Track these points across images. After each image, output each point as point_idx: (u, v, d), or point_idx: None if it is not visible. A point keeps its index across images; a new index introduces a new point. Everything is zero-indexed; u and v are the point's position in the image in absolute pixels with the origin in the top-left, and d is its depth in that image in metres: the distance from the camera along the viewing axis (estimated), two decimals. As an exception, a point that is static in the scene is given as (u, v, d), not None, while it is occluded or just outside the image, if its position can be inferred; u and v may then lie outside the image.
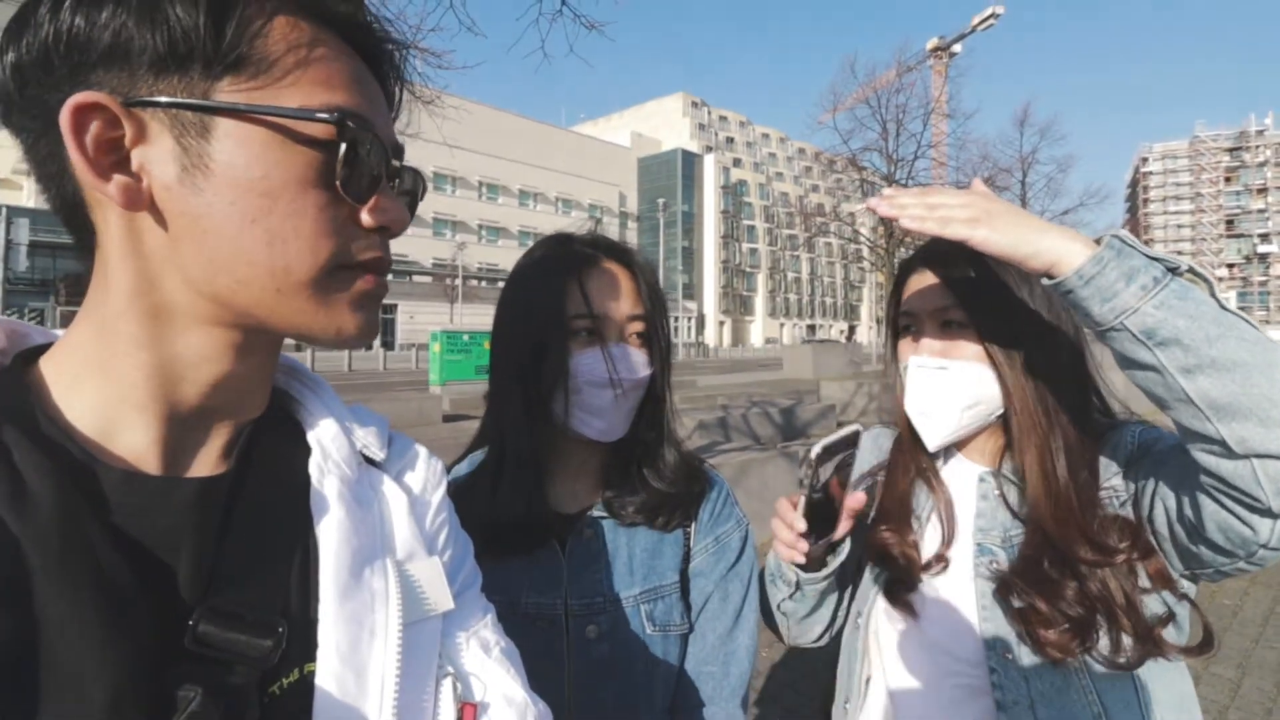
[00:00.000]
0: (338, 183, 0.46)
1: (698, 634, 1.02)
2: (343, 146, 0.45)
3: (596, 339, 0.97)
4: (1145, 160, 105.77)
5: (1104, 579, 0.86)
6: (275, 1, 0.45)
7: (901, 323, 1.06)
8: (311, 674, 0.48)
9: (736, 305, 71.46)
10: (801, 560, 0.94)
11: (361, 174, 0.47)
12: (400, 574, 0.54)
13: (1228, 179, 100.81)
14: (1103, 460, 0.94)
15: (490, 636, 0.62)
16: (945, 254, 0.99)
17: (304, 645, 0.48)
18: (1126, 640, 0.85)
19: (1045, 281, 0.76)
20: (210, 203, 0.43)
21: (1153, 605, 0.87)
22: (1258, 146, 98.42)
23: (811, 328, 78.20)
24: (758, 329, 73.33)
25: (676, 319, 58.64)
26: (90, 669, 0.39)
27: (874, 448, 1.20)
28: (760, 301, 74.38)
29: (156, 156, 0.43)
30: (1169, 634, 0.87)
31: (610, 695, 0.95)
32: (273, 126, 0.44)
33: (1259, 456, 0.68)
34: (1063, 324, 0.96)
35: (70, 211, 0.46)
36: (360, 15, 0.49)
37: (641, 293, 1.01)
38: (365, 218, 0.48)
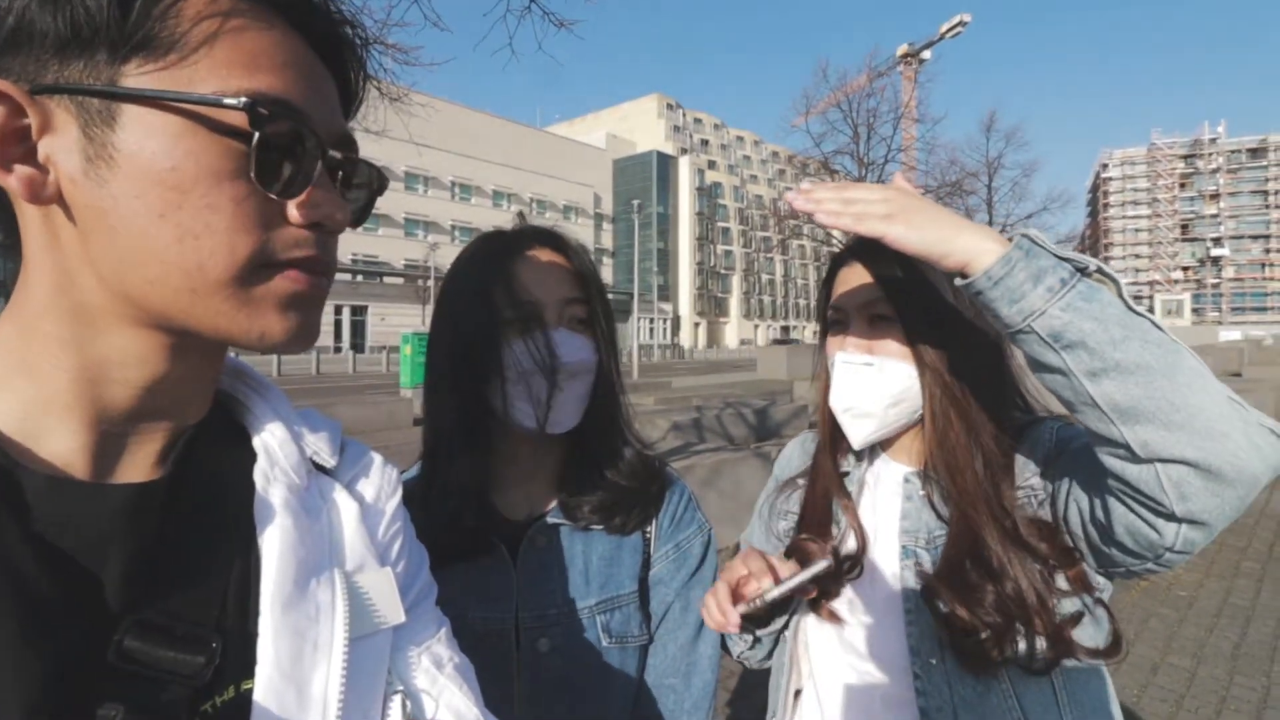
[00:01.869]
0: (252, 174, 0.42)
1: (658, 645, 0.97)
2: (255, 135, 0.41)
3: (533, 325, 0.92)
4: (1105, 166, 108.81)
5: (1018, 580, 0.85)
6: None
7: (831, 317, 1.04)
8: (249, 691, 0.45)
9: (711, 307, 71.76)
10: (732, 631, 0.90)
11: (286, 165, 0.43)
12: (349, 585, 0.52)
13: (1182, 185, 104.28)
14: (1022, 459, 0.93)
15: (443, 652, 0.60)
16: (876, 248, 0.94)
17: (242, 661, 0.46)
18: (1040, 642, 0.85)
19: (958, 281, 0.74)
20: (115, 196, 0.41)
21: (1066, 606, 0.87)
22: (1211, 154, 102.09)
23: (785, 329, 78.83)
24: (732, 330, 73.70)
25: (652, 320, 58.67)
26: (2, 685, 0.37)
27: (802, 453, 1.18)
28: (735, 303, 74.77)
29: (63, 147, 0.41)
30: (1081, 635, 0.86)
31: (563, 712, 0.90)
32: (182, 113, 0.41)
33: (1162, 461, 0.67)
34: (983, 321, 0.93)
35: None
36: None
37: (577, 276, 0.96)
38: (294, 213, 0.44)
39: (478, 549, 0.92)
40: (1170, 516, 0.69)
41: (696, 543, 1.02)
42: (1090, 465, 0.77)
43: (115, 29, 0.40)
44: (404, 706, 0.53)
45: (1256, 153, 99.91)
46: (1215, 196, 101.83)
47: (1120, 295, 0.70)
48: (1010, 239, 0.72)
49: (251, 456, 0.53)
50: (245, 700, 0.45)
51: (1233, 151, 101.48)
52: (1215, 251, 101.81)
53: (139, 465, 0.47)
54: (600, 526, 0.96)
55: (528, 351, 0.90)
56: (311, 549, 0.51)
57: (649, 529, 1.00)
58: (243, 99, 0.41)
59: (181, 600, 0.45)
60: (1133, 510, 0.73)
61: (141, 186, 0.41)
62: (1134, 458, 0.69)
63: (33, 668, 0.38)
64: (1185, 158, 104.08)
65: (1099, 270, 0.71)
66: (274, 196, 0.43)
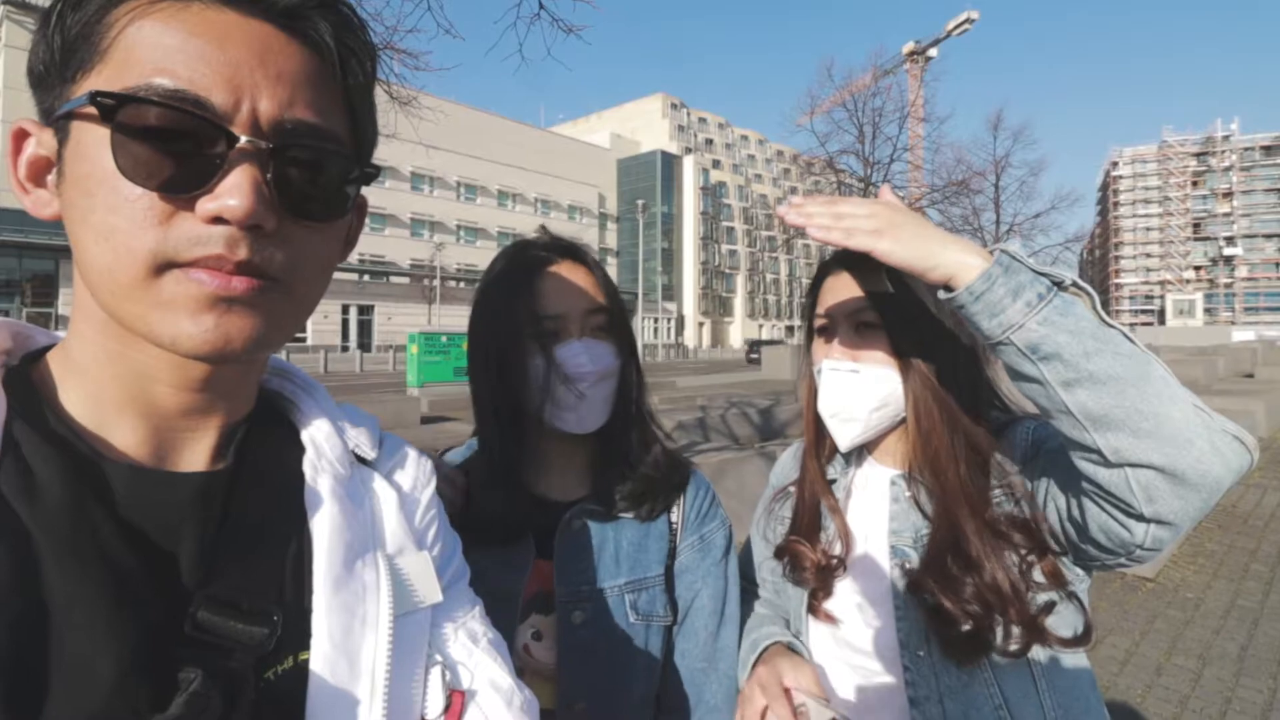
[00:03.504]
0: (116, 169, 0.42)
1: (686, 632, 1.05)
2: (109, 131, 0.41)
3: (560, 336, 1.01)
4: (1115, 164, 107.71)
5: (995, 572, 0.89)
6: None
7: (817, 325, 1.08)
8: (305, 661, 0.49)
9: (716, 306, 71.62)
10: None
11: (175, 159, 0.42)
12: (391, 567, 0.56)
13: (1195, 183, 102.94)
14: (1000, 458, 0.97)
15: (478, 628, 0.64)
16: (861, 258, 0.98)
17: (299, 633, 0.50)
18: (1015, 630, 0.89)
19: (941, 295, 0.79)
20: (64, 207, 0.44)
21: (1041, 597, 0.91)
22: (1224, 151, 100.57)
23: (790, 329, 78.54)
24: (737, 330, 73.53)
25: (656, 320, 58.68)
26: (97, 649, 0.40)
27: (795, 461, 1.22)
28: (739, 303, 74.62)
29: (59, 169, 0.45)
30: (1055, 624, 0.90)
31: (593, 678, 0.99)
32: (82, 119, 0.42)
33: (1131, 466, 0.72)
34: (962, 328, 0.96)
35: None
36: None
37: (599, 287, 1.05)
38: (202, 208, 0.43)
39: (516, 537, 1.01)
40: (1140, 517, 0.74)
41: (719, 536, 1.11)
42: (1066, 467, 0.81)
43: (59, 52, 0.43)
44: (443, 676, 0.58)
45: (1271, 150, 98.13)
46: (1228, 195, 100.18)
47: (1094, 309, 0.74)
48: (992, 253, 0.76)
49: (300, 450, 0.57)
50: (303, 670, 0.49)
51: (1246, 149, 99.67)
52: (1228, 250, 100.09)
53: (199, 456, 0.51)
54: (630, 514, 1.05)
55: (557, 360, 0.99)
56: (357, 534, 0.55)
57: (674, 519, 1.09)
58: (97, 95, 0.40)
59: (245, 578, 0.49)
60: (1105, 511, 0.78)
61: (73, 195, 0.44)
62: (1105, 462, 0.73)
63: (123, 633, 0.41)
64: (1197, 155, 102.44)
65: (1074, 284, 0.75)
66: (159, 192, 0.42)
